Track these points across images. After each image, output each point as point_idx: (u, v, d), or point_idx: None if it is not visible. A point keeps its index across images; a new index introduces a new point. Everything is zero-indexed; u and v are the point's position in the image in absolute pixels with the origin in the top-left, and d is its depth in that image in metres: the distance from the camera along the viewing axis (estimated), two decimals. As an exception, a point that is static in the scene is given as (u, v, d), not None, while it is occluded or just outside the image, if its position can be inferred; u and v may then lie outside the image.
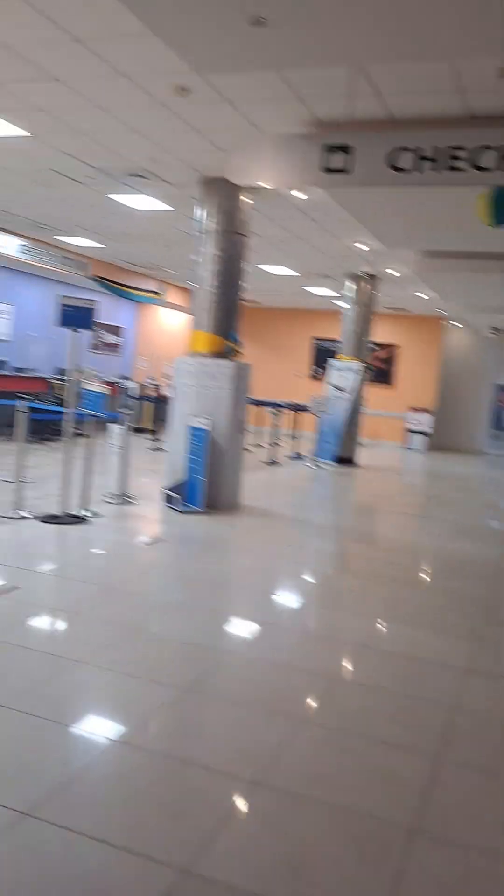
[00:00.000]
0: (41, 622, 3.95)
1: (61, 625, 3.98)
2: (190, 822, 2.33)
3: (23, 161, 7.77)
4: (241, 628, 4.22)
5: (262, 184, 5.69)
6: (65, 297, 6.20)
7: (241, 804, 2.49)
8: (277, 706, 3.19)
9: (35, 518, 6.15)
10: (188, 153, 7.00)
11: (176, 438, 7.58)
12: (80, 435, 6.69)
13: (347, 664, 3.82)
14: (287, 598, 4.92)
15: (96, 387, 6.63)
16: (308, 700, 3.34)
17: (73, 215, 10.48)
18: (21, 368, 12.83)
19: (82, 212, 10.16)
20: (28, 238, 12.24)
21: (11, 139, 6.98)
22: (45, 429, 11.58)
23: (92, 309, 6.25)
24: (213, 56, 4.75)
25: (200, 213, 7.73)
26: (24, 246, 12.13)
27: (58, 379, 12.81)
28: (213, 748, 2.81)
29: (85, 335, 16.20)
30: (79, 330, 6.24)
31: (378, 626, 4.40)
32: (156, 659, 3.62)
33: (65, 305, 6.14)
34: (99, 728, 2.88)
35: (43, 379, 12.95)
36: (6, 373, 12.34)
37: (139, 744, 2.78)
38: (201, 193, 7.77)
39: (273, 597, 4.92)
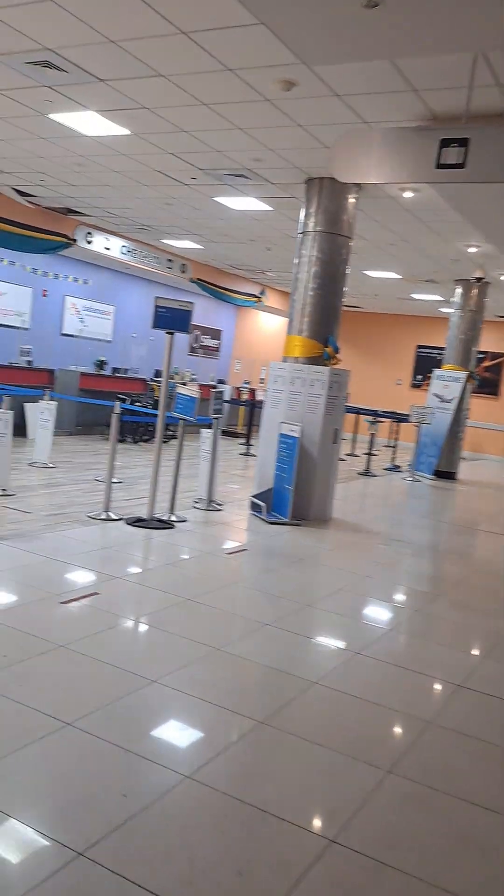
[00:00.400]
0: (114, 633, 3.80)
1: (135, 637, 3.83)
2: (255, 883, 2.08)
3: (126, 161, 7.78)
4: (326, 655, 3.93)
5: (370, 181, 5.38)
6: (160, 298, 6.10)
7: (313, 866, 2.21)
8: (360, 750, 2.89)
9: (122, 520, 6.08)
10: (292, 152, 6.78)
11: (266, 445, 7.37)
12: (172, 438, 6.59)
13: (442, 706, 3.46)
14: (378, 624, 4.59)
15: (188, 390, 6.50)
16: (395, 746, 3.01)
17: (176, 217, 10.49)
18: (120, 369, 13.01)
19: (186, 214, 10.15)
20: (131, 240, 12.39)
21: (112, 138, 6.98)
22: (140, 430, 11.68)
23: (188, 311, 6.12)
24: (323, 46, 4.49)
25: (302, 213, 7.50)
26: (126, 248, 12.28)
27: (155, 381, 12.91)
28: (287, 794, 2.54)
29: (182, 337, 16.39)
30: (174, 332, 6.13)
31: (479, 663, 4.00)
32: (232, 683, 3.40)
33: (160, 307, 6.04)
34: (165, 758, 2.67)
35: (142, 380, 13.09)
36: (105, 373, 12.53)
37: (207, 781, 2.55)
38: (304, 193, 7.54)
39: (362, 621, 4.59)
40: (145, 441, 11.48)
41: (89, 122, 6.55)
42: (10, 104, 6.31)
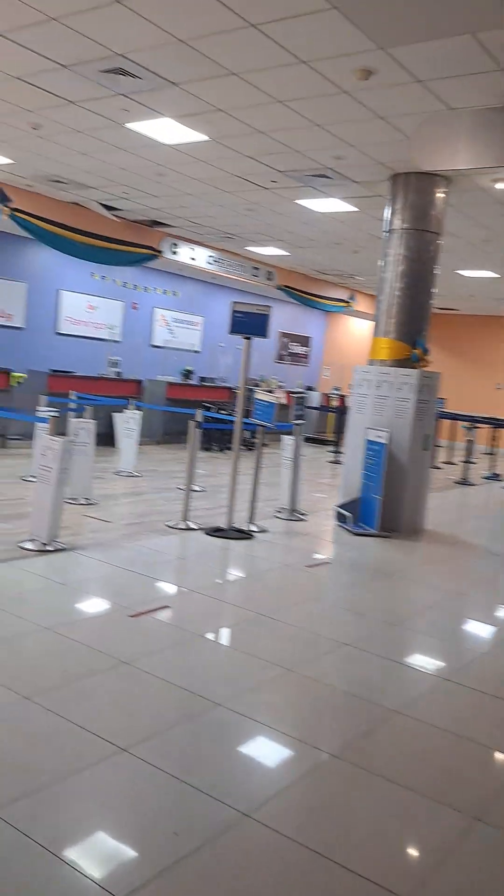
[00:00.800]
0: (181, 649, 3.63)
1: (202, 655, 3.63)
2: None
3: (206, 168, 7.70)
4: (412, 681, 3.60)
5: (454, 167, 5.02)
6: (237, 303, 5.95)
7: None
8: (445, 792, 2.57)
9: (200, 530, 5.95)
10: (375, 146, 6.49)
11: (352, 452, 7.07)
12: (253, 446, 6.41)
13: (540, 743, 3.07)
14: (472, 647, 4.21)
15: (266, 396, 6.31)
16: (486, 789, 2.67)
17: (259, 224, 10.36)
18: (206, 378, 13.00)
19: (269, 219, 10.00)
20: (217, 249, 12.38)
21: (190, 145, 6.91)
22: (226, 438, 11.60)
23: (265, 315, 5.94)
24: (399, 24, 4.22)
25: (388, 211, 7.18)
26: (212, 257, 12.28)
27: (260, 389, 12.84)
28: (357, 841, 2.26)
29: (268, 345, 16.22)
30: (251, 337, 5.96)
31: None
32: (307, 710, 3.15)
33: (237, 312, 5.89)
34: (224, 792, 2.45)
35: (228, 389, 13.04)
36: (192, 382, 12.56)
37: (267, 820, 2.31)
38: (389, 190, 7.22)
39: (454, 643, 4.23)
40: (231, 449, 11.40)
41: (166, 130, 6.50)
42: (88, 116, 6.35)
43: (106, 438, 9.95)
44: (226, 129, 6.40)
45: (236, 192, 8.58)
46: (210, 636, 3.86)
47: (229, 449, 11.45)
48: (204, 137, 6.64)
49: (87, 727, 2.74)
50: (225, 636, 3.86)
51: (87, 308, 12.40)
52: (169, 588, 4.50)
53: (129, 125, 6.51)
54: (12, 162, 8.10)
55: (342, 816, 2.42)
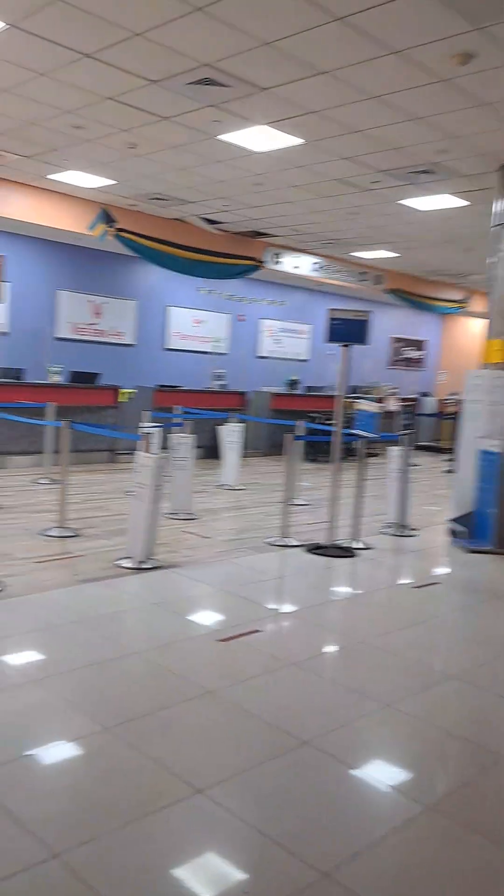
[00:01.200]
0: (270, 679, 3.43)
1: (291, 685, 3.41)
2: None
3: (303, 174, 7.52)
4: (525, 719, 3.22)
5: None
6: (334, 310, 5.71)
7: None
8: None
9: (300, 547, 5.74)
10: (480, 136, 6.08)
11: (465, 462, 6.62)
12: (370, 455, 6.13)
13: None
14: None
15: (368, 406, 6.02)
16: None
17: (363, 227, 10.06)
18: (314, 387, 12.78)
19: (372, 222, 9.68)
20: (321, 256, 12.16)
21: (285, 151, 6.75)
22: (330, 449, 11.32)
23: (364, 321, 5.66)
24: (497, -1, 3.88)
25: (497, 203, 6.71)
26: (317, 264, 12.07)
27: (349, 397, 12.50)
28: (452, 919, 1.98)
29: (380, 350, 15.77)
30: (350, 344, 5.70)
31: None
32: (399, 751, 2.86)
33: (334, 319, 5.65)
34: (308, 848, 2.23)
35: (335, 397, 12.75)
36: (298, 392, 12.37)
37: (355, 886, 2.06)
38: (499, 181, 6.75)
39: None
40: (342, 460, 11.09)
41: (260, 138, 6.39)
42: (180, 130, 6.34)
43: (211, 451, 9.96)
44: (320, 131, 6.20)
45: (337, 195, 8.34)
46: (302, 664, 3.63)
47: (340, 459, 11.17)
48: (299, 141, 6.47)
49: (166, 763, 2.60)
50: (318, 664, 3.63)
51: (194, 323, 12.54)
52: (261, 610, 4.32)
53: (222, 136, 6.44)
54: (114, 182, 8.27)
55: (439, 882, 2.13)
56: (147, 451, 4.91)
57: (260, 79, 5.17)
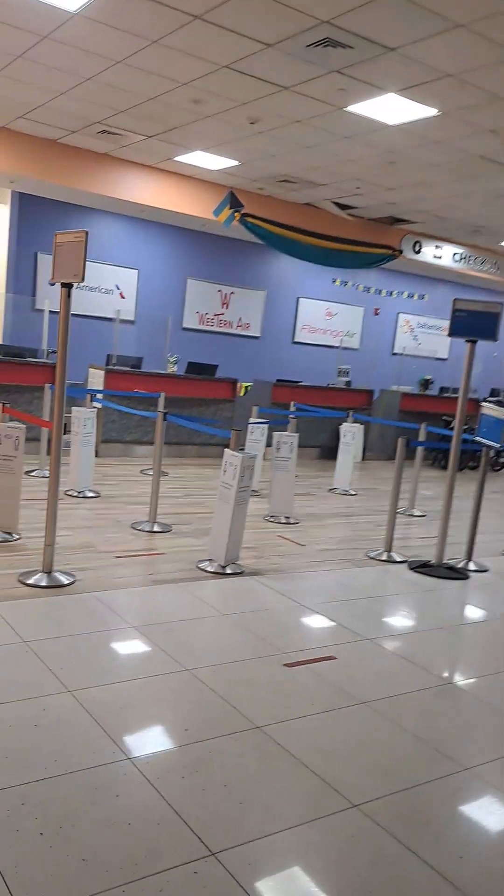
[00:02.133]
0: (333, 719, 2.91)
1: (353, 729, 2.87)
2: None
3: (441, 150, 6.82)
4: None
5: None
6: (459, 301, 5.04)
7: None
8: None
9: (405, 563, 5.13)
10: None
11: None
12: (477, 466, 5.43)
13: None
14: None
15: (494, 411, 5.28)
16: None
17: (513, 213, 9.12)
18: (448, 388, 11.88)
19: (523, 207, 8.74)
20: (466, 245, 11.23)
21: (419, 123, 6.10)
22: (464, 457, 10.42)
23: (495, 314, 4.94)
24: None
25: None
26: (459, 255, 11.17)
27: (489, 401, 11.48)
28: None
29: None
30: (476, 339, 5.01)
31: None
32: (472, 823, 2.28)
33: (458, 311, 4.98)
34: None
35: (473, 401, 11.77)
36: (431, 393, 11.51)
37: None
38: None
39: None
40: (472, 468, 10.18)
41: (390, 108, 5.81)
42: (303, 102, 5.88)
43: (330, 452, 9.44)
44: (458, 99, 5.51)
45: (480, 175, 7.54)
46: (373, 704, 3.09)
47: (470, 468, 10.27)
48: (433, 111, 5.81)
49: (185, 817, 2.19)
50: (394, 708, 3.07)
51: (326, 315, 12.05)
52: (342, 633, 3.80)
53: (350, 108, 5.92)
54: (238, 163, 7.95)
55: None
56: (234, 448, 4.52)
57: (386, 37, 4.60)
